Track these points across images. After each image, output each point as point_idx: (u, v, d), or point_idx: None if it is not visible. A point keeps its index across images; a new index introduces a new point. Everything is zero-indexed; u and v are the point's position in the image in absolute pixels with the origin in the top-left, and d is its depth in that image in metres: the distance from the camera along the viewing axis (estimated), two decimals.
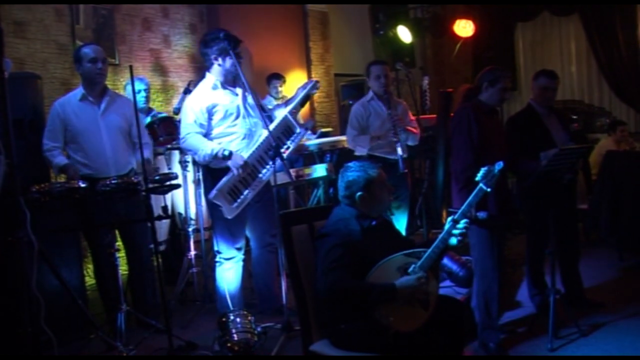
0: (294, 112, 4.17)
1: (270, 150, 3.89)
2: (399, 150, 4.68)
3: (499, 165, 2.83)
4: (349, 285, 2.64)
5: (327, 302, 2.69)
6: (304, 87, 4.29)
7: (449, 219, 2.77)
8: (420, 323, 2.63)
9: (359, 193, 2.85)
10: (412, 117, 5.18)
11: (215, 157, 3.88)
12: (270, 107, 4.67)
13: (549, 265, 3.85)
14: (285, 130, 4.10)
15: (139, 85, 5.27)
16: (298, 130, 4.13)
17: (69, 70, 5.52)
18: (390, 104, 4.87)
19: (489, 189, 2.80)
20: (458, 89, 3.97)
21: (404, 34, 7.46)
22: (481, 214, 3.29)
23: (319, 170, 5.33)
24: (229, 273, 4.11)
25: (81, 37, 5.64)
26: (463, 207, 2.76)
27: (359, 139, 4.92)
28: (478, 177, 2.84)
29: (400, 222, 4.97)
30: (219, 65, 3.99)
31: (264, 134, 3.98)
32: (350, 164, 2.95)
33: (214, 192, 3.85)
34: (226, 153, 3.86)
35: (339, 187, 2.93)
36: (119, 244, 3.98)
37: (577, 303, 4.21)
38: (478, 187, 2.81)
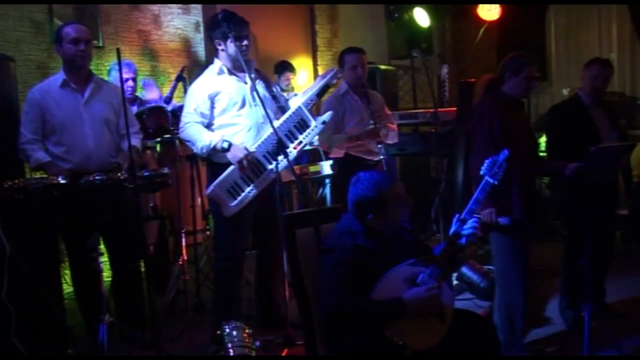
0: (309, 104, 4.08)
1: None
2: (382, 152, 4.61)
3: (503, 154, 2.85)
4: (353, 306, 2.62)
5: (332, 324, 2.67)
6: (323, 76, 4.23)
7: (456, 217, 2.78)
8: (439, 338, 2.60)
9: (369, 215, 2.80)
10: (388, 112, 5.11)
11: (213, 149, 3.86)
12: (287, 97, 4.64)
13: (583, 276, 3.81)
14: (299, 123, 4.01)
15: (125, 73, 5.24)
16: (313, 123, 4.01)
17: (45, 51, 5.49)
18: (369, 97, 4.77)
19: (495, 182, 2.80)
20: (479, 80, 3.95)
21: (421, 17, 7.43)
22: (503, 220, 3.26)
23: (326, 168, 5.30)
24: (228, 277, 4.09)
25: (60, 14, 5.61)
26: (470, 204, 2.76)
27: (334, 138, 4.78)
28: (482, 170, 2.84)
29: None
30: (222, 50, 3.99)
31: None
32: (362, 176, 2.87)
33: (211, 188, 3.84)
34: (225, 145, 3.84)
35: (349, 200, 2.88)
36: (102, 247, 3.96)
37: (599, 311, 4.17)
38: (484, 181, 2.81)
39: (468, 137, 3.82)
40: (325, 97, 4.98)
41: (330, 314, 2.64)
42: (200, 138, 3.90)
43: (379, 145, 4.64)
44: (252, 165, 3.87)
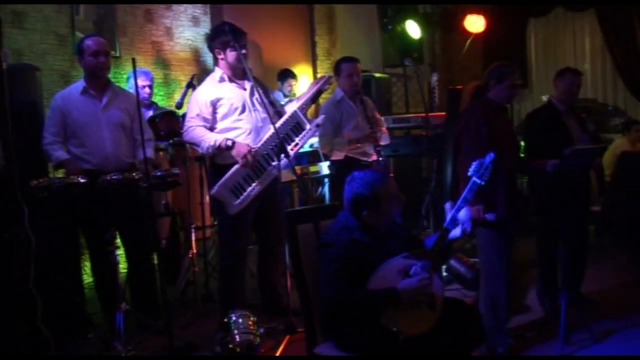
0: (304, 108, 4.12)
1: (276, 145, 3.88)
2: (382, 155, 4.65)
3: (489, 157, 2.85)
4: (350, 296, 2.63)
5: (331, 315, 2.69)
6: (316, 82, 4.26)
7: (447, 205, 2.81)
8: (430, 325, 2.62)
9: (364, 212, 2.81)
10: (378, 116, 5.10)
11: (218, 148, 3.88)
12: (282, 103, 4.67)
13: (560, 267, 3.84)
14: (294, 126, 4.05)
15: (142, 80, 5.29)
16: (308, 126, 4.06)
17: (68, 62, 5.52)
18: (364, 103, 4.79)
19: (482, 182, 2.80)
20: (466, 87, 3.96)
21: (413, 29, 7.44)
22: (490, 216, 3.28)
23: (325, 168, 5.33)
24: (233, 270, 4.11)
25: (81, 28, 5.64)
26: (458, 202, 2.77)
27: (335, 142, 4.81)
28: (470, 171, 2.84)
29: None
30: (222, 59, 4.01)
31: (271, 129, 3.96)
32: (356, 175, 2.87)
33: (216, 187, 3.85)
34: (229, 143, 3.85)
35: (345, 197, 2.88)
36: (119, 241, 3.98)
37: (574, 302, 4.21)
38: (471, 181, 2.81)
39: (456, 140, 3.82)
40: (322, 103, 5.02)
41: (330, 305, 2.65)
42: (204, 139, 3.91)
43: (377, 148, 4.68)
44: (255, 162, 3.87)
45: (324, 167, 5.34)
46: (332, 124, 4.78)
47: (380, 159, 4.70)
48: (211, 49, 4.06)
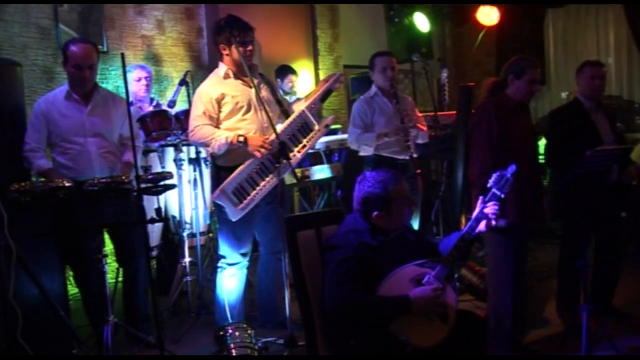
0: (312, 108, 4.09)
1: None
2: (412, 148, 4.66)
3: (511, 170, 2.91)
4: (359, 300, 2.63)
5: (336, 319, 2.68)
6: (326, 80, 4.23)
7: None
8: (441, 338, 2.62)
9: (375, 213, 2.83)
10: (419, 114, 5.14)
11: (231, 145, 3.86)
12: (290, 101, 4.66)
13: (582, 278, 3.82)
14: (302, 127, 4.04)
15: (140, 73, 5.37)
16: (317, 127, 4.05)
17: (51, 57, 5.52)
18: (398, 98, 4.82)
19: (503, 195, 2.86)
20: (482, 84, 3.94)
21: (422, 22, 7.44)
22: (501, 222, 3.24)
23: (319, 173, 5.28)
24: (231, 280, 4.11)
25: (65, 20, 5.63)
26: (477, 214, 2.85)
27: (363, 138, 4.85)
28: (490, 183, 2.90)
29: None
30: (227, 55, 4.02)
31: (278, 129, 3.93)
32: (368, 175, 2.91)
33: (217, 192, 3.84)
34: (242, 140, 3.84)
35: (355, 198, 2.92)
36: (107, 249, 3.97)
37: (603, 311, 4.22)
38: (491, 193, 2.87)
39: (468, 141, 3.82)
40: (357, 100, 5.06)
41: (337, 307, 2.64)
42: (215, 137, 3.90)
43: (407, 143, 4.68)
44: (270, 153, 3.85)
45: (318, 172, 5.31)
46: (362, 120, 4.88)
47: (414, 155, 4.73)
48: (215, 43, 4.06)
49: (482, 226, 2.86)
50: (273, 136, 3.84)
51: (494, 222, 2.87)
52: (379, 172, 2.93)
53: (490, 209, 2.86)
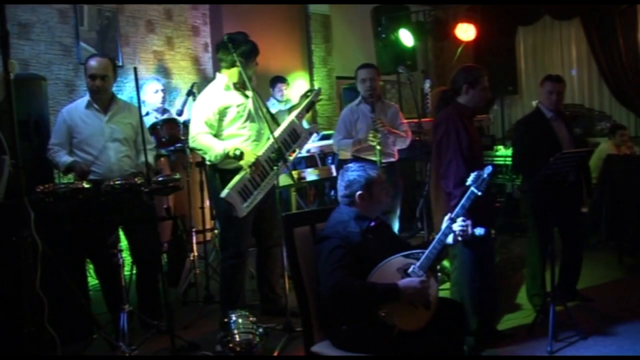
0: (300, 117, 4.26)
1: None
2: (376, 155, 4.60)
3: (488, 170, 2.86)
4: (352, 285, 2.65)
5: (330, 304, 2.70)
6: (306, 95, 4.40)
7: (446, 218, 2.81)
8: (424, 322, 2.65)
9: (359, 192, 2.86)
10: (404, 120, 5.13)
11: (226, 156, 3.89)
12: (279, 109, 4.71)
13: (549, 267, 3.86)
14: (291, 133, 4.17)
15: (156, 85, 5.43)
16: (303, 134, 4.25)
17: (73, 71, 5.55)
18: (375, 107, 4.77)
19: (480, 193, 2.81)
20: (432, 92, 3.91)
21: (406, 37, 7.47)
22: (479, 230, 3.08)
23: (310, 175, 5.27)
24: (233, 272, 4.12)
25: (85, 38, 5.67)
26: (457, 209, 2.79)
27: (342, 143, 4.97)
28: (469, 181, 2.84)
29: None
30: (228, 69, 4.02)
31: (272, 136, 3.97)
32: (350, 165, 2.98)
33: (226, 191, 3.84)
34: (238, 152, 3.87)
35: (339, 186, 2.95)
36: (123, 244, 3.99)
37: (568, 295, 4.27)
38: (470, 191, 2.82)
39: (436, 149, 3.57)
40: (344, 108, 5.13)
41: (331, 292, 2.64)
42: (213, 147, 3.92)
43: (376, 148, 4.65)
44: (260, 169, 3.93)
45: (308, 175, 5.33)
46: (345, 126, 4.97)
47: (392, 159, 4.87)
48: (226, 56, 3.98)
49: (450, 239, 2.78)
50: (262, 151, 3.95)
51: (460, 238, 2.79)
52: (359, 163, 3.01)
53: (458, 226, 2.78)
